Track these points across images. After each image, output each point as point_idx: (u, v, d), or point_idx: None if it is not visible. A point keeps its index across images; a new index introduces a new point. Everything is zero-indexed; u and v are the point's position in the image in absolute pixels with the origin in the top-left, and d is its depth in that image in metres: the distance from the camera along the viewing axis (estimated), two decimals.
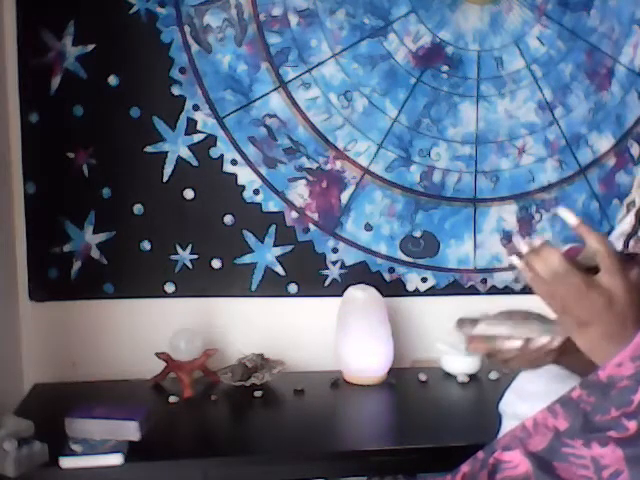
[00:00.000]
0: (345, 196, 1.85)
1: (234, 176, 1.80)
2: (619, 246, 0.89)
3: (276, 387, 1.71)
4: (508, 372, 1.03)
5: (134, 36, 1.71)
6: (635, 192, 0.94)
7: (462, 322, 0.88)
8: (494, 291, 1.94)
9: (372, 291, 1.78)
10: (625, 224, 0.91)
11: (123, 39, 1.71)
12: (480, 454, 0.77)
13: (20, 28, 1.67)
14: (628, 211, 0.92)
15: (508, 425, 1.05)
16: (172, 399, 1.63)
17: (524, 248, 0.80)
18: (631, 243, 0.88)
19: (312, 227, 1.85)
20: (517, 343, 0.87)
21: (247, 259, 1.83)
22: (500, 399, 1.15)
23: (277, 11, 1.76)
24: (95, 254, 1.77)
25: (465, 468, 0.78)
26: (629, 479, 0.65)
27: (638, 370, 0.67)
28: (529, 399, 1.01)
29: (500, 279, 1.94)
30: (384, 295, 1.80)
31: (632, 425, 0.66)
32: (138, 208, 1.77)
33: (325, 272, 1.87)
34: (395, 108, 1.83)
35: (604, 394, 0.68)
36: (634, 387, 0.67)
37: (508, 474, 0.73)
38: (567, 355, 0.88)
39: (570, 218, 0.79)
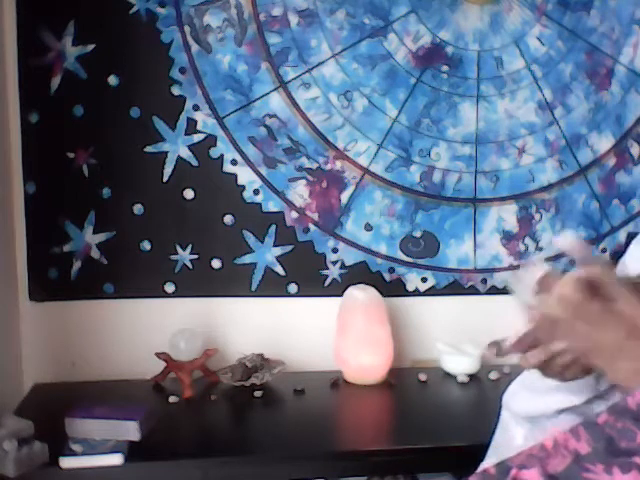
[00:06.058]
0: (345, 196, 1.85)
1: (234, 176, 1.80)
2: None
3: (276, 387, 1.71)
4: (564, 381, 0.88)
5: (134, 36, 1.71)
6: None
7: (494, 344, 0.80)
8: (494, 291, 1.94)
9: (372, 291, 1.78)
10: None
11: (123, 39, 1.71)
12: (491, 469, 0.75)
13: (20, 28, 1.67)
14: None
15: (507, 418, 1.04)
16: (172, 399, 1.63)
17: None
18: None
19: (312, 227, 1.85)
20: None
21: (247, 259, 1.83)
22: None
23: (277, 11, 1.76)
24: (95, 254, 1.77)
25: None
26: None
27: None
28: (540, 393, 0.98)
29: (500, 279, 1.94)
30: (384, 295, 1.80)
31: None
32: (138, 208, 1.77)
33: (325, 272, 1.87)
34: (395, 108, 1.83)
35: (634, 420, 0.67)
36: None
37: None
38: None
39: (570, 244, 0.73)
